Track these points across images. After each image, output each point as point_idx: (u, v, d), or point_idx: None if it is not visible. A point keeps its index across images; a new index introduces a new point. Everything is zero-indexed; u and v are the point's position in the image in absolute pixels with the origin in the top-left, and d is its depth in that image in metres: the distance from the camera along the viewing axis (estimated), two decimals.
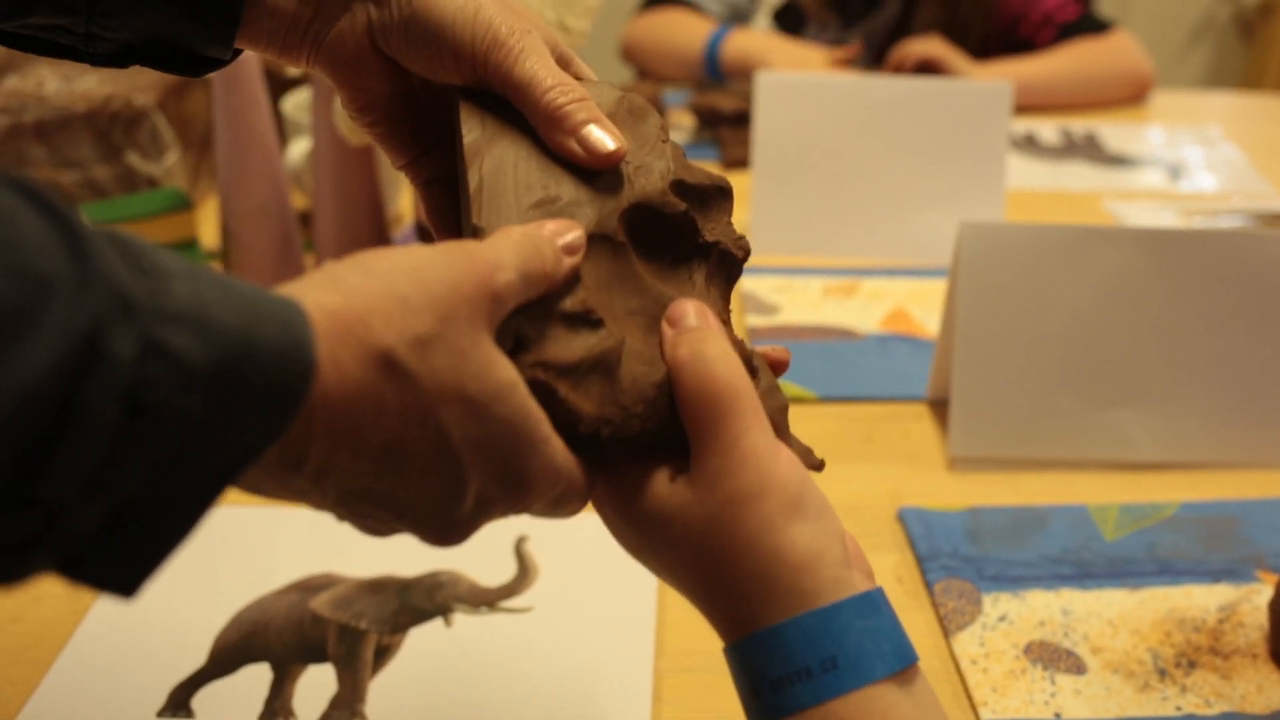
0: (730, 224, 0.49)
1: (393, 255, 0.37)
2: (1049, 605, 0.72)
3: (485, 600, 0.72)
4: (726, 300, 0.49)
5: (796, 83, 1.25)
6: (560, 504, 0.42)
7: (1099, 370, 0.87)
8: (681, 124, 1.62)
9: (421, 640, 0.69)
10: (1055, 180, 1.48)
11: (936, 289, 1.12)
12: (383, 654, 0.68)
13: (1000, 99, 1.22)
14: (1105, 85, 1.75)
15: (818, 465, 0.47)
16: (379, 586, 0.72)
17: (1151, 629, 0.70)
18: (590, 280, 0.43)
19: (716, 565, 0.42)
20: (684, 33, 1.77)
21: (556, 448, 0.41)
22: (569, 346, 0.41)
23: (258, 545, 0.76)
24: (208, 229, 1.21)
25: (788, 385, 0.96)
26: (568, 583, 0.73)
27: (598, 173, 0.46)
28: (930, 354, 0.98)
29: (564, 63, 0.50)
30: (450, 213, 0.52)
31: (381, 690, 0.66)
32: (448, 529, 0.40)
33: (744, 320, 1.07)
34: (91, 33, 0.46)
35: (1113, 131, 1.65)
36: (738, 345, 0.46)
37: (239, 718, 0.64)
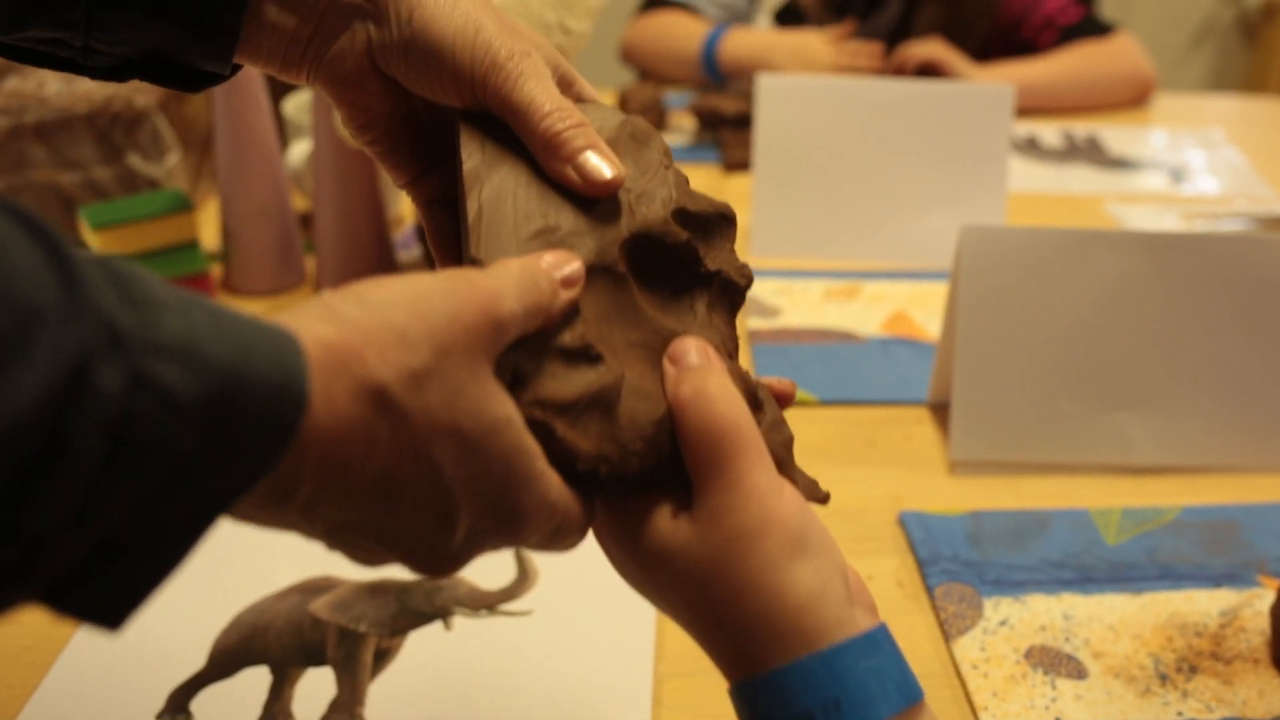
0: (733, 251, 0.48)
1: (391, 285, 0.37)
2: (1050, 610, 0.72)
3: (485, 603, 0.72)
4: (731, 328, 0.48)
5: (798, 85, 1.25)
6: (556, 538, 0.42)
7: (1101, 374, 0.87)
8: (683, 126, 1.62)
9: (421, 643, 0.69)
10: (1057, 183, 1.48)
11: (938, 292, 1.12)
12: (382, 657, 0.68)
13: (1002, 101, 1.22)
14: (1107, 88, 1.75)
15: (822, 498, 0.47)
16: (378, 589, 0.72)
17: (1153, 634, 0.70)
18: (590, 313, 0.43)
19: (718, 603, 0.41)
20: (681, 34, 1.77)
21: (551, 483, 0.40)
22: (567, 383, 0.41)
23: (257, 548, 0.75)
24: (208, 230, 1.21)
25: None
26: (567, 586, 0.73)
27: (598, 200, 0.45)
28: (931, 357, 0.98)
29: (567, 83, 0.49)
30: (451, 234, 0.51)
31: (381, 693, 0.66)
32: (439, 561, 0.40)
33: (745, 323, 1.07)
34: (90, 46, 0.46)
35: (1115, 134, 1.65)
36: (743, 378, 0.45)
37: None
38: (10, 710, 0.64)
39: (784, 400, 0.48)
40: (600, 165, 0.44)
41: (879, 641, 0.41)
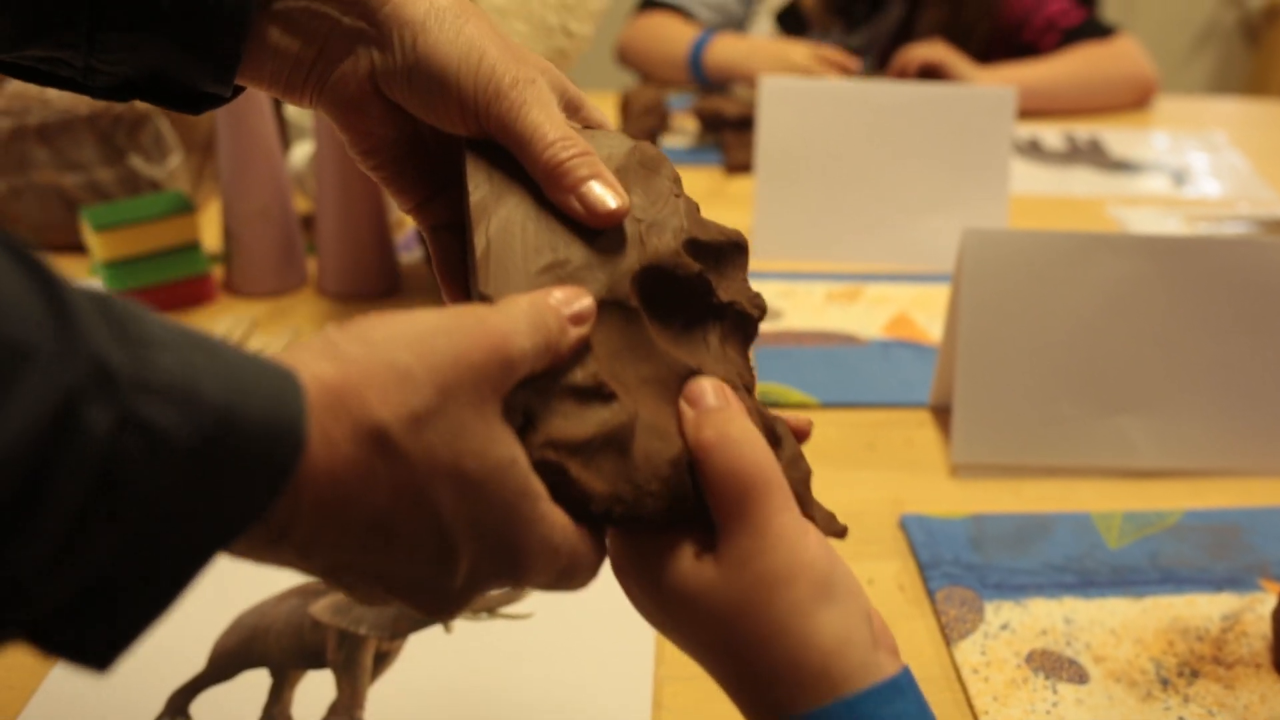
0: (745, 281, 0.48)
1: (396, 323, 0.36)
2: (1051, 614, 0.72)
3: (485, 606, 0.72)
4: (745, 360, 0.47)
5: (800, 87, 1.25)
6: (563, 580, 0.41)
7: (1103, 377, 0.87)
8: (685, 128, 1.62)
9: (421, 646, 0.69)
10: (1059, 185, 1.48)
11: (940, 294, 1.11)
12: (382, 660, 0.68)
13: (1004, 104, 1.22)
14: (1109, 90, 1.75)
15: (840, 532, 0.46)
16: None
17: (1154, 638, 0.70)
18: (601, 349, 0.42)
19: (744, 647, 0.41)
20: (671, 38, 1.78)
21: (555, 525, 0.39)
22: (580, 423, 0.40)
23: None
24: (210, 232, 1.21)
25: (790, 391, 0.96)
26: None
27: (608, 231, 0.44)
28: (933, 360, 0.98)
29: (574, 107, 0.48)
30: (457, 261, 0.50)
31: (380, 696, 0.66)
32: (439, 603, 0.39)
33: None
34: (91, 66, 0.46)
35: (1117, 137, 1.65)
36: (761, 414, 0.45)
37: None
38: (10, 712, 0.64)
39: (800, 436, 0.47)
40: (604, 195, 0.44)
41: (903, 687, 0.41)
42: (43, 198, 1.15)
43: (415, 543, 0.36)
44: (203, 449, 0.30)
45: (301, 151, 1.26)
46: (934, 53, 1.66)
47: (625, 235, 0.44)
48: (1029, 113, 1.64)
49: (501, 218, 0.43)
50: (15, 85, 1.14)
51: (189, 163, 1.25)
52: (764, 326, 1.07)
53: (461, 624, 0.70)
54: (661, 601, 0.43)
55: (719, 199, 1.39)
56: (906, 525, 0.79)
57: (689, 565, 0.42)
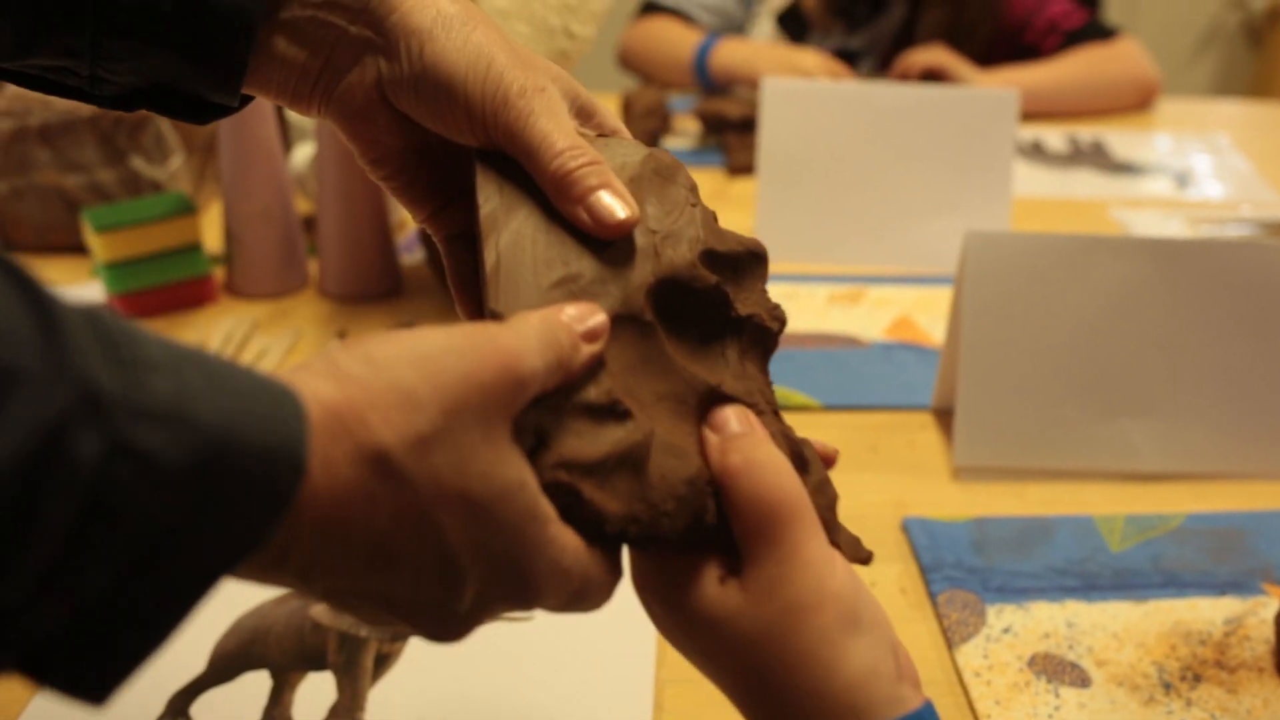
0: (764, 292, 0.46)
1: (402, 342, 0.35)
2: (1053, 617, 0.72)
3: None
4: (765, 374, 0.46)
5: (803, 89, 1.25)
6: (576, 603, 0.40)
7: (1105, 380, 0.87)
8: (687, 130, 1.62)
9: (422, 648, 0.69)
10: (1062, 188, 1.48)
11: (942, 297, 1.11)
12: (383, 662, 0.68)
13: (1007, 106, 1.21)
14: (1111, 92, 1.75)
15: (865, 558, 0.45)
16: None
17: (1157, 642, 0.70)
18: (615, 365, 0.41)
19: (769, 676, 0.40)
20: (674, 42, 1.78)
21: (565, 548, 0.38)
22: (593, 442, 0.39)
23: None
24: (211, 233, 1.21)
25: (792, 393, 0.96)
26: None
27: (621, 243, 0.43)
28: (935, 362, 0.98)
29: (587, 114, 0.48)
30: (471, 272, 0.50)
31: (381, 698, 0.65)
32: (444, 628, 0.38)
33: None
34: (97, 75, 0.45)
35: (1120, 139, 1.64)
36: (788, 438, 0.44)
37: None
38: (11, 713, 0.64)
39: (826, 463, 0.47)
40: (612, 205, 0.43)
41: None
42: (44, 199, 1.15)
43: (419, 566, 0.35)
44: (197, 474, 0.29)
45: (303, 153, 1.26)
46: (935, 57, 1.66)
47: (639, 247, 0.43)
48: (1031, 115, 1.64)
49: (512, 231, 0.42)
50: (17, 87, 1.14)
51: (190, 164, 1.25)
52: None
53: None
54: (685, 624, 0.42)
55: (721, 201, 1.39)
56: (908, 528, 0.79)
57: (714, 590, 0.41)
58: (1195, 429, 0.87)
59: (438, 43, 0.44)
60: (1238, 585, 0.74)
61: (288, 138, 1.28)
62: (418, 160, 0.49)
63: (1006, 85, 1.56)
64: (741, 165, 1.45)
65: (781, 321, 0.46)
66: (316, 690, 0.66)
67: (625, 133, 0.49)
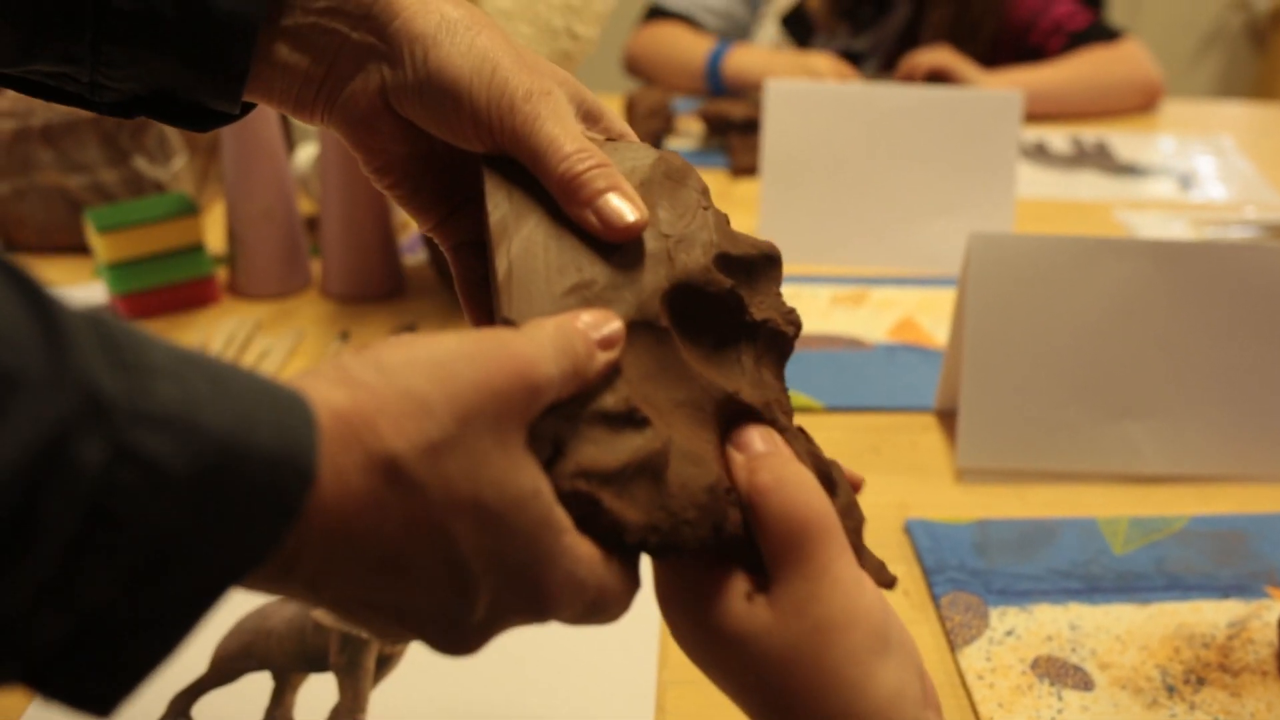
0: (779, 295, 0.46)
1: (414, 347, 0.34)
2: (1057, 620, 0.71)
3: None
4: (780, 380, 0.46)
5: (806, 90, 1.24)
6: (592, 614, 0.40)
7: (1109, 382, 0.86)
8: (690, 130, 1.62)
9: (424, 650, 0.68)
10: (1065, 189, 1.48)
11: (946, 298, 1.11)
12: (384, 663, 0.68)
13: (1010, 107, 1.21)
14: (1115, 93, 1.75)
15: (890, 582, 0.45)
16: None
17: (1160, 645, 0.70)
18: (632, 372, 0.40)
19: (796, 695, 0.40)
20: (684, 48, 1.77)
21: (580, 558, 0.38)
22: (611, 450, 0.38)
23: None
24: (214, 233, 1.21)
25: (795, 395, 0.96)
26: None
27: (634, 248, 0.42)
28: (939, 364, 0.97)
29: (594, 118, 0.47)
30: (480, 280, 0.49)
31: (383, 700, 0.65)
32: (457, 640, 0.37)
33: None
34: (97, 82, 0.45)
35: (1123, 140, 1.64)
36: (815, 457, 0.44)
37: None
38: (13, 714, 0.64)
39: (854, 487, 0.47)
40: (621, 208, 0.42)
41: None
42: (47, 199, 1.15)
43: (431, 577, 0.35)
44: (204, 482, 0.28)
45: (306, 153, 1.26)
46: (940, 58, 1.66)
47: (652, 252, 0.43)
48: (1035, 116, 1.63)
49: (523, 237, 0.42)
50: None
51: (193, 164, 1.25)
52: None
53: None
54: (710, 640, 0.41)
55: (725, 202, 1.38)
56: (911, 530, 0.79)
57: (741, 606, 0.41)
58: (1199, 431, 0.87)
59: (442, 48, 0.44)
60: (1241, 588, 0.74)
61: (291, 138, 1.28)
62: (423, 168, 0.48)
63: (1011, 86, 1.56)
64: (745, 166, 1.45)
65: (796, 326, 0.46)
66: (318, 692, 0.66)
67: (632, 136, 0.49)
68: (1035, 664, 0.68)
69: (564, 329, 0.38)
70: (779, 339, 0.46)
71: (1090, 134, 1.66)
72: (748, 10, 1.91)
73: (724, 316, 0.44)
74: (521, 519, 0.36)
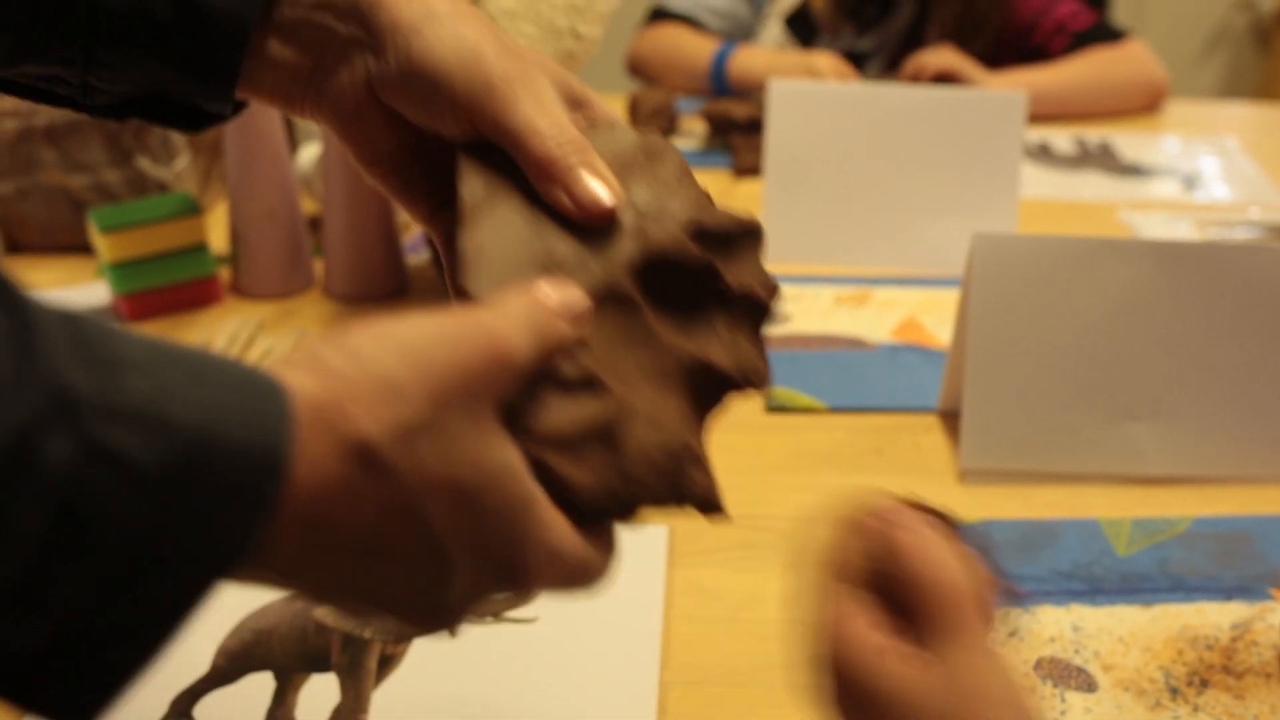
0: (759, 264, 0.46)
1: (385, 331, 0.35)
2: (1059, 621, 0.71)
3: (490, 610, 0.71)
4: (759, 346, 0.46)
5: (809, 91, 1.24)
6: (572, 584, 0.40)
7: (1112, 383, 0.86)
8: (693, 130, 1.62)
9: (425, 650, 0.69)
10: (1070, 190, 1.48)
11: (949, 299, 1.11)
12: (386, 663, 0.68)
13: (1014, 108, 1.21)
14: (1119, 94, 1.75)
15: None
16: None
17: (1164, 646, 0.70)
18: (597, 341, 0.41)
19: None
20: (688, 50, 1.77)
21: (557, 531, 0.38)
22: (565, 415, 0.39)
23: None
24: (217, 233, 1.21)
25: (798, 395, 0.96)
26: None
27: (607, 226, 0.43)
28: (942, 365, 0.97)
29: (579, 104, 0.47)
30: None
31: (384, 700, 0.65)
32: (435, 619, 0.38)
33: None
34: (88, 85, 0.45)
35: (1127, 141, 1.64)
36: (957, 543, 0.45)
37: None
38: (15, 714, 0.64)
39: (1010, 595, 0.48)
40: (594, 188, 0.42)
41: None
42: (50, 199, 1.15)
43: (408, 560, 0.35)
44: (173, 476, 0.28)
45: (309, 153, 1.26)
46: (943, 59, 1.66)
47: (623, 227, 0.43)
48: (1038, 117, 1.63)
49: (495, 218, 0.42)
50: None
51: (196, 164, 1.25)
52: (772, 330, 1.06)
53: (466, 628, 0.70)
54: (861, 698, 0.42)
55: (728, 202, 1.38)
56: None
57: (894, 665, 0.41)
58: (1202, 432, 0.87)
59: (425, 37, 0.44)
60: (1245, 590, 0.74)
61: (293, 138, 1.28)
62: (412, 159, 0.48)
63: (1014, 87, 1.56)
64: (748, 166, 1.45)
65: (773, 290, 0.46)
66: (320, 692, 0.66)
67: (619, 122, 0.49)
68: (1038, 665, 0.68)
69: (532, 304, 0.38)
70: (756, 306, 0.46)
71: (1094, 135, 1.66)
72: (751, 11, 1.91)
73: (698, 287, 0.44)
74: (497, 496, 0.36)
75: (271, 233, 1.10)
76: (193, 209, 1.07)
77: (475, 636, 0.70)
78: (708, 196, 0.46)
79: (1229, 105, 1.98)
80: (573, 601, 0.72)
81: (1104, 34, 1.77)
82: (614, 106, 0.49)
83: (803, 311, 1.11)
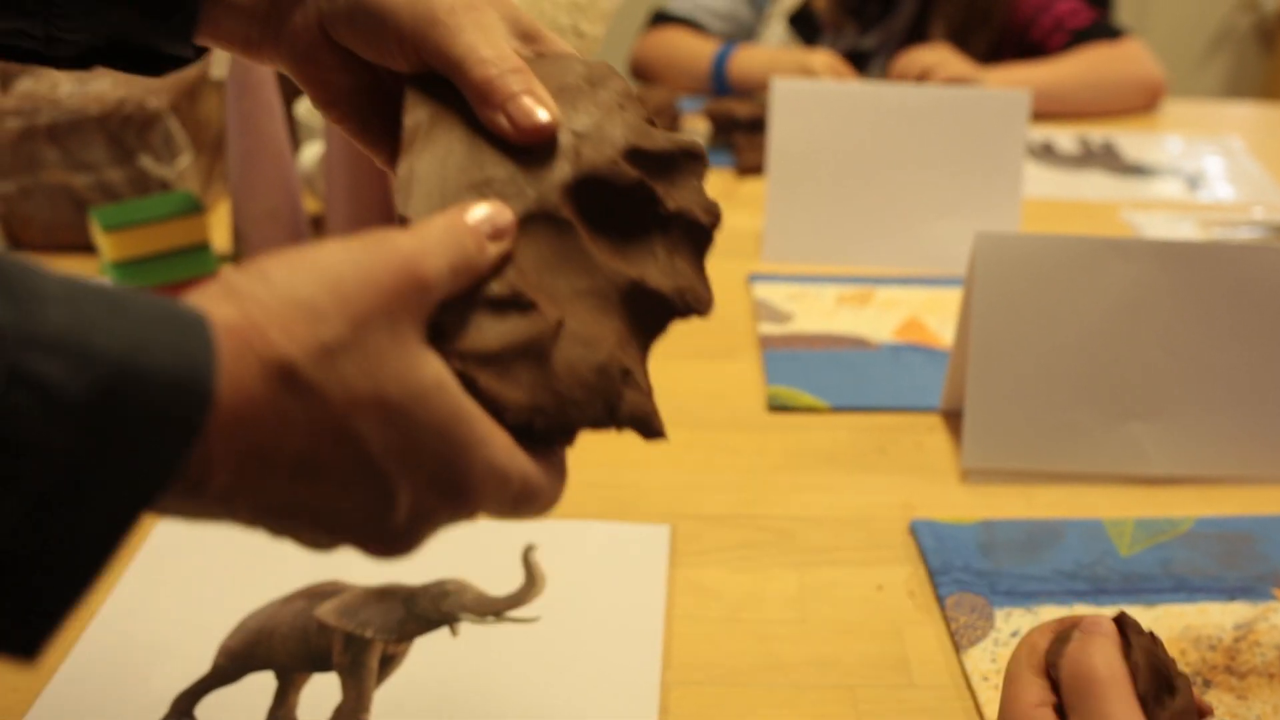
0: (700, 189, 0.46)
1: (299, 258, 0.35)
2: None
3: (492, 610, 0.71)
4: (699, 270, 0.46)
5: (812, 90, 1.24)
6: (520, 507, 0.40)
7: (1115, 383, 0.86)
8: (696, 130, 1.62)
9: (427, 649, 0.69)
10: (1072, 189, 1.47)
11: (952, 298, 1.11)
12: (388, 663, 0.68)
13: (1018, 107, 1.21)
14: (1115, 92, 1.74)
15: None
16: (385, 595, 0.72)
17: (1167, 647, 0.69)
18: (527, 262, 0.41)
19: None
20: (689, 52, 1.77)
21: (499, 447, 0.38)
22: (492, 333, 0.39)
23: (263, 551, 0.75)
24: (220, 232, 1.21)
25: (800, 394, 0.96)
26: (575, 593, 0.73)
27: (541, 147, 0.43)
28: (944, 364, 0.97)
29: (531, 37, 0.47)
30: None
31: (386, 700, 0.65)
32: (386, 542, 0.38)
33: (756, 328, 1.07)
34: (51, 35, 0.45)
35: (1130, 140, 1.64)
36: (1153, 655, 0.51)
37: None
38: (16, 714, 0.64)
39: (1202, 712, 0.54)
40: (532, 108, 0.43)
41: None
42: (52, 198, 1.15)
43: (344, 480, 0.35)
44: (101, 405, 0.28)
45: (311, 152, 1.26)
46: (936, 58, 1.65)
47: (559, 148, 0.43)
48: (1035, 114, 1.62)
49: (434, 144, 0.43)
50: (25, 85, 1.14)
51: (199, 163, 1.25)
52: (774, 330, 1.06)
53: (468, 628, 0.70)
54: None
55: (730, 201, 1.39)
56: (916, 530, 0.79)
57: None
58: (1205, 432, 0.86)
59: None
60: (1248, 590, 0.74)
61: (296, 137, 1.28)
62: (368, 100, 0.49)
63: (1010, 83, 1.56)
64: (751, 165, 1.45)
65: (714, 215, 0.46)
66: (321, 691, 0.66)
67: (570, 53, 0.49)
68: None
69: (452, 223, 0.39)
70: (696, 229, 0.46)
71: (1097, 134, 1.66)
72: (752, 12, 1.91)
73: (635, 209, 0.44)
74: (427, 411, 0.36)
75: (274, 232, 1.09)
76: (195, 208, 1.07)
77: (477, 636, 0.70)
78: (651, 122, 0.46)
79: (1233, 105, 1.98)
80: (568, 600, 0.72)
81: (1102, 32, 1.76)
82: None
83: (805, 311, 1.11)
